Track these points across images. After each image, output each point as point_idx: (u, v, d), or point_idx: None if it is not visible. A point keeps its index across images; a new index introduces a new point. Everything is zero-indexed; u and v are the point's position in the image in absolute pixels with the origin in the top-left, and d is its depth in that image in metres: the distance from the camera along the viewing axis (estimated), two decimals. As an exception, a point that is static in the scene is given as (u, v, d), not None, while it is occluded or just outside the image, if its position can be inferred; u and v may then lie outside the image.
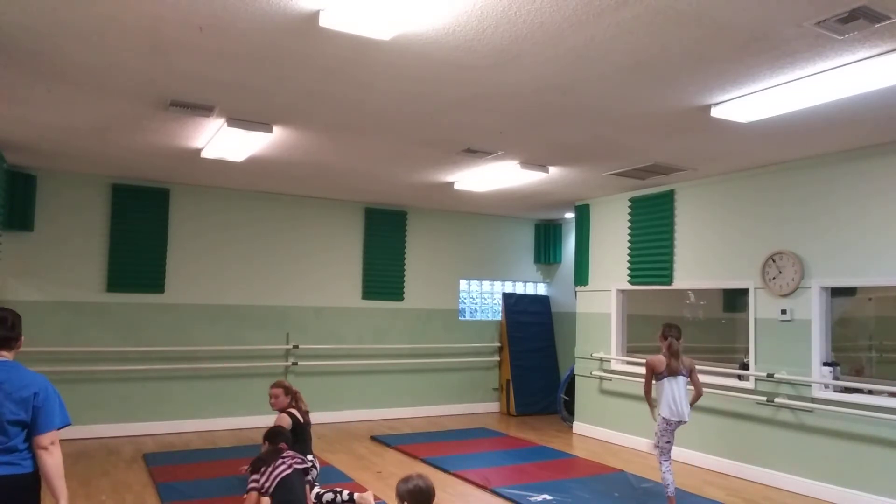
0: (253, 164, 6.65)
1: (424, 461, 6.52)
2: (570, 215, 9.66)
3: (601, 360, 7.92)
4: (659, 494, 5.55)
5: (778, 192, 6.09)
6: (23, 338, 2.91)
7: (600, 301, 8.04)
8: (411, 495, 2.92)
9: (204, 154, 6.06)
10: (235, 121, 5.12)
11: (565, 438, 7.93)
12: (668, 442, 5.04)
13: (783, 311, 5.92)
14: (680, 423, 5.01)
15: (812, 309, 5.72)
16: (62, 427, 2.78)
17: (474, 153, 6.05)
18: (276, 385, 5.60)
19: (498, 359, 9.86)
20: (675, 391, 5.00)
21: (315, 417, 8.37)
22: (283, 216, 8.48)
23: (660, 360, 5.05)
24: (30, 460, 2.75)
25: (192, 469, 5.96)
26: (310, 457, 5.19)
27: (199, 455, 6.52)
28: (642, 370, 7.32)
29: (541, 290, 10.58)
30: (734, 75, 3.92)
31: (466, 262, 9.80)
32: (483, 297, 10.16)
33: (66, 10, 3.25)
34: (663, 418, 5.01)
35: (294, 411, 5.43)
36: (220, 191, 8.11)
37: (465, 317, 9.87)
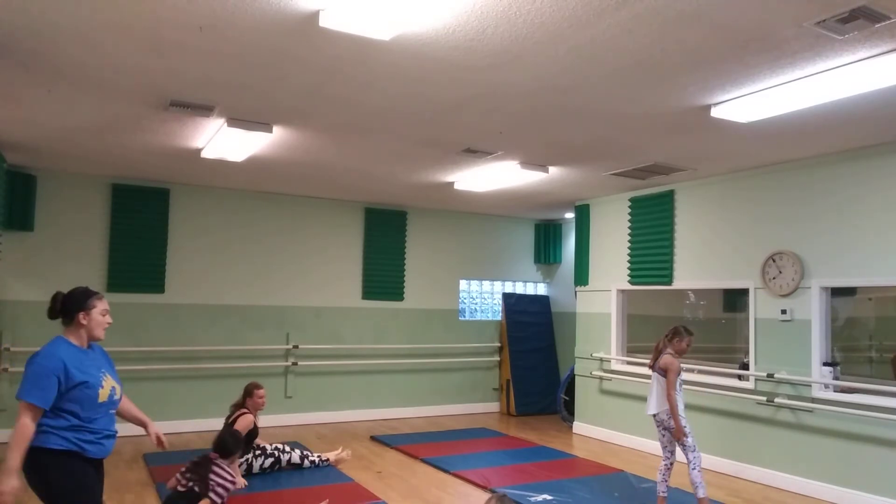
0: (253, 164, 6.65)
1: (424, 461, 6.52)
2: (570, 215, 9.66)
3: (601, 360, 7.92)
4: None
5: (778, 192, 6.09)
6: (80, 314, 2.97)
7: (600, 301, 8.04)
8: None
9: (204, 154, 6.06)
10: (235, 121, 5.12)
11: (565, 438, 7.93)
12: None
13: (783, 311, 5.92)
14: None
15: (812, 309, 5.72)
16: (21, 399, 2.81)
17: (474, 153, 6.05)
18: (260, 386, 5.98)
19: (498, 359, 9.86)
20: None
21: (315, 417, 8.47)
22: (283, 216, 8.48)
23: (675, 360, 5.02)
24: (38, 434, 2.83)
25: (192, 469, 5.95)
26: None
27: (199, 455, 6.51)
28: (642, 370, 7.37)
29: (541, 290, 10.58)
30: (734, 75, 3.92)
31: (466, 262, 9.80)
32: (483, 297, 10.16)
33: (67, 11, 3.25)
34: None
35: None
36: (220, 191, 8.11)
37: (465, 317, 9.87)
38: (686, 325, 5.20)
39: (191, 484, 4.21)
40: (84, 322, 2.97)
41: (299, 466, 6.00)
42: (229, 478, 4.24)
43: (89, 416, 2.90)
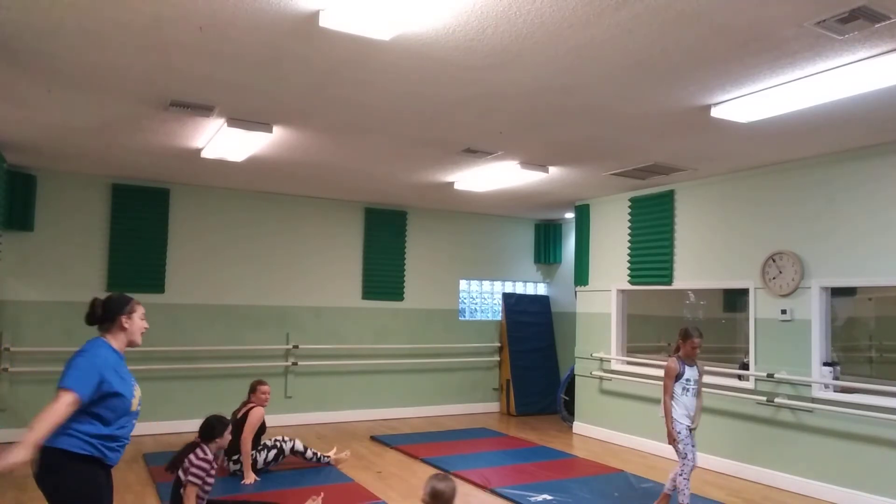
0: (253, 164, 6.65)
1: (424, 461, 6.52)
2: (570, 215, 9.66)
3: (601, 360, 7.92)
4: (658, 494, 5.55)
5: (778, 192, 6.09)
6: (122, 317, 2.98)
7: (600, 301, 8.04)
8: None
9: (204, 154, 6.06)
10: (235, 121, 5.12)
11: (565, 438, 7.93)
12: None
13: (783, 311, 5.92)
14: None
15: (812, 309, 5.72)
16: (63, 387, 2.75)
17: (474, 153, 6.05)
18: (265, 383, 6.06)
19: (498, 359, 9.86)
20: None
21: (315, 417, 8.47)
22: (283, 216, 8.48)
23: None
24: (63, 437, 2.78)
25: (192, 469, 5.95)
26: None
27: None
28: (642, 370, 7.37)
29: (541, 290, 10.58)
30: (734, 75, 3.92)
31: (466, 262, 9.80)
32: (483, 297, 10.16)
33: (67, 11, 3.25)
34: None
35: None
36: (220, 191, 8.11)
37: (465, 317, 9.87)
38: (694, 325, 5.00)
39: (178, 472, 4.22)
40: (127, 326, 2.99)
41: (302, 455, 6.02)
42: (205, 458, 4.18)
43: (120, 424, 2.90)
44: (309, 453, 6.06)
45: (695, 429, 4.89)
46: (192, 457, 4.16)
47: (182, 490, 4.12)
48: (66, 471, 2.80)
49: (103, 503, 2.94)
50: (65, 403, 2.70)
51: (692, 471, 4.87)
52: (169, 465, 4.22)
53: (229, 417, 5.86)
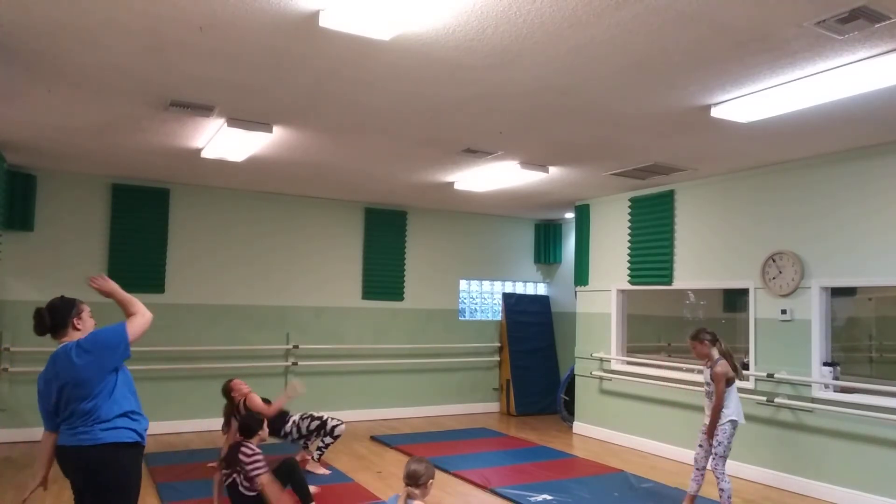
0: (253, 164, 6.66)
1: (424, 461, 6.52)
2: (570, 215, 9.66)
3: (601, 360, 7.92)
4: (659, 494, 5.56)
5: (778, 192, 6.09)
6: (74, 319, 2.99)
7: (600, 301, 8.04)
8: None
9: (204, 154, 6.06)
10: (235, 121, 5.12)
11: (565, 438, 7.93)
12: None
13: (783, 311, 5.92)
14: None
15: (812, 309, 5.72)
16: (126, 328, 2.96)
17: (474, 153, 6.05)
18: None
19: (498, 359, 9.86)
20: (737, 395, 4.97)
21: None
22: (283, 216, 8.48)
23: (726, 366, 4.90)
24: (107, 432, 2.87)
25: (192, 469, 5.95)
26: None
27: (199, 455, 6.52)
28: (642, 370, 7.37)
29: (541, 290, 10.58)
30: (734, 75, 3.92)
31: (466, 262, 9.80)
32: (483, 297, 10.16)
33: (67, 10, 3.25)
34: (733, 422, 4.91)
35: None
36: (220, 191, 8.11)
37: (465, 317, 9.87)
38: (699, 328, 5.00)
39: (233, 475, 4.30)
40: (80, 327, 2.94)
41: (322, 438, 5.95)
42: (255, 452, 4.32)
43: (133, 398, 3.00)
44: (328, 440, 5.92)
45: (708, 432, 4.92)
46: (241, 457, 4.27)
47: (242, 489, 4.25)
48: (123, 460, 2.88)
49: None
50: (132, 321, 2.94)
51: (698, 471, 4.93)
52: (221, 461, 4.42)
53: (224, 422, 5.86)
